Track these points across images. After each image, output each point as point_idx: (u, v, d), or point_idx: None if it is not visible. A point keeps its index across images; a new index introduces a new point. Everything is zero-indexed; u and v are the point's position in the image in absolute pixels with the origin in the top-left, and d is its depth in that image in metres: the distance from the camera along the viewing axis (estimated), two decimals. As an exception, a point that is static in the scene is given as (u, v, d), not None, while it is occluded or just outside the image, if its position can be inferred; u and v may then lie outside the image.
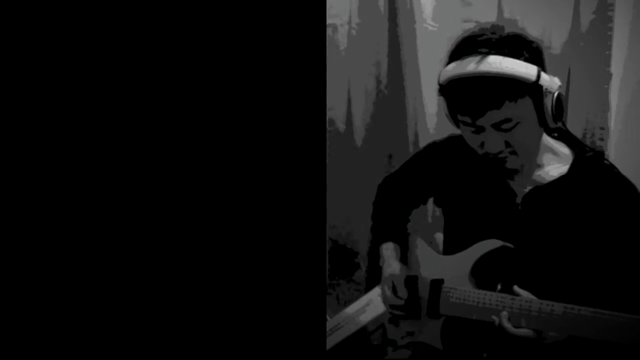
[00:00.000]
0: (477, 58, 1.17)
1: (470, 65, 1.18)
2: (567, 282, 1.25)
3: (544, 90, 1.18)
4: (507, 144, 1.22)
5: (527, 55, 1.19)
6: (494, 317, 1.24)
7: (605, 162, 1.29)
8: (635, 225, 1.24)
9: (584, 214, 1.25)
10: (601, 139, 1.92)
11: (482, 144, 1.24)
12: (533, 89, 1.18)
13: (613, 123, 1.92)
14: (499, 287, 1.28)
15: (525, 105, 1.19)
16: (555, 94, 1.20)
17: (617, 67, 1.87)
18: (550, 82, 1.20)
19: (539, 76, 1.17)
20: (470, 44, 1.21)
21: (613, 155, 1.92)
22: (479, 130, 1.22)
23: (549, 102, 1.19)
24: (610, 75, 1.88)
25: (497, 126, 1.20)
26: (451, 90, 1.23)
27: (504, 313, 1.23)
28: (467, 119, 1.22)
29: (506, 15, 1.97)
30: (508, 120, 1.19)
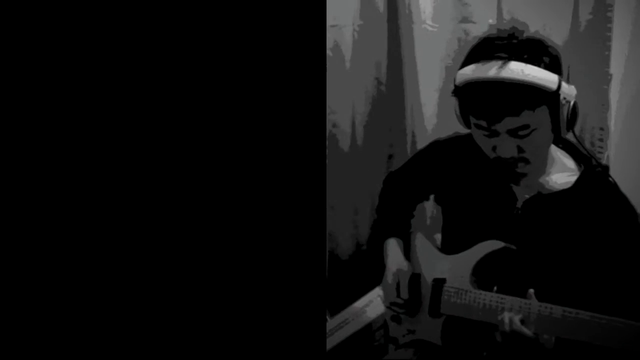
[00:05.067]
0: (499, 63, 1.15)
1: (491, 70, 1.16)
2: (561, 287, 1.25)
3: (561, 99, 1.17)
4: (520, 149, 1.22)
5: (546, 61, 1.17)
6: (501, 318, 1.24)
7: (610, 179, 1.28)
8: (629, 244, 1.25)
9: (581, 227, 1.25)
10: (601, 139, 1.92)
11: (494, 148, 1.24)
12: (551, 97, 1.17)
13: (613, 123, 1.92)
14: (495, 288, 1.29)
15: (543, 113, 1.18)
16: (572, 103, 1.19)
17: (616, 67, 1.87)
18: (569, 90, 1.18)
19: (559, 85, 1.16)
20: (489, 47, 1.20)
21: (613, 155, 1.92)
22: (493, 134, 1.22)
23: (565, 111, 1.18)
24: (609, 75, 1.88)
25: (513, 132, 1.19)
26: (468, 93, 1.21)
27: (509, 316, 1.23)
28: (483, 123, 1.21)
29: (505, 15, 1.97)
30: (525, 126, 1.18)
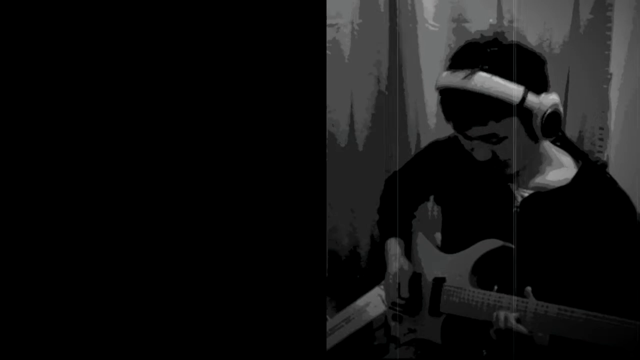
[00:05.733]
0: (465, 73, 1.18)
1: (457, 80, 1.18)
2: (562, 284, 1.25)
3: (532, 109, 1.18)
4: (494, 154, 1.24)
5: (523, 69, 1.18)
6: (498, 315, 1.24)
7: (607, 175, 1.29)
8: (627, 239, 1.25)
9: (580, 224, 1.25)
10: (601, 139, 1.92)
11: (472, 150, 1.27)
12: (519, 109, 1.18)
13: (613, 123, 1.92)
14: (495, 288, 1.29)
15: (511, 124, 1.19)
16: (547, 113, 1.19)
17: (616, 67, 1.87)
18: (540, 102, 1.18)
19: (524, 99, 1.17)
20: (470, 53, 1.21)
21: (613, 155, 1.92)
22: (467, 138, 1.24)
23: (537, 122, 1.19)
24: (609, 75, 1.88)
25: (484, 138, 1.22)
26: (443, 98, 1.24)
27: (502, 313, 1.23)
28: (453, 127, 1.24)
29: (506, 15, 1.97)
30: (494, 135, 1.21)
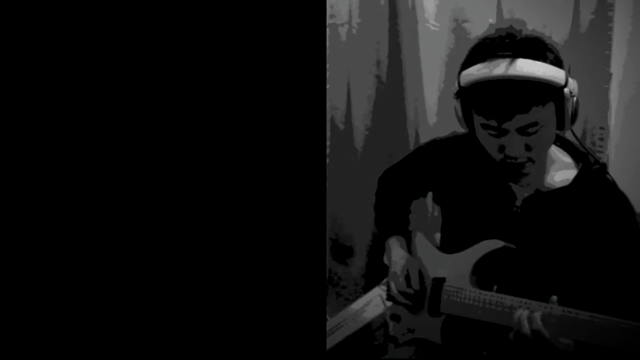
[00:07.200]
0: (507, 61, 1.15)
1: (499, 68, 1.15)
2: (562, 285, 1.25)
3: (567, 93, 1.17)
4: (527, 147, 1.22)
5: (551, 58, 1.18)
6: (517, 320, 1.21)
7: (608, 176, 1.29)
8: (627, 241, 1.25)
9: (580, 225, 1.25)
10: (601, 139, 1.92)
11: (500, 148, 1.24)
12: (558, 93, 1.17)
13: (613, 123, 1.92)
14: (495, 287, 1.29)
15: (550, 109, 1.18)
16: (575, 98, 1.19)
17: (616, 67, 1.87)
18: (573, 85, 1.19)
19: (566, 80, 1.16)
20: (490, 47, 1.19)
21: (613, 155, 1.92)
22: (501, 133, 1.21)
23: (570, 106, 1.19)
24: (610, 75, 1.88)
25: (522, 130, 1.19)
26: (476, 93, 1.21)
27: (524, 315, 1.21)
28: (493, 122, 1.20)
29: (506, 15, 1.97)
30: (535, 124, 1.18)
